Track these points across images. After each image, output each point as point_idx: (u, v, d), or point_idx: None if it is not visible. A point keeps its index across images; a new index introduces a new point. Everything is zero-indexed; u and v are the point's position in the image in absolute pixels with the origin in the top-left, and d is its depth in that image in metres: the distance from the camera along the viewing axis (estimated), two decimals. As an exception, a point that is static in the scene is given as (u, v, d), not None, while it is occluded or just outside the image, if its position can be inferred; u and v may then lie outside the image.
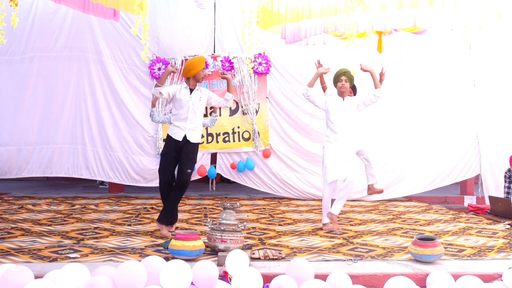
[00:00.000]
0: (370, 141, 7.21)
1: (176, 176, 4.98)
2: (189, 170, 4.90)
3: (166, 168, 4.95)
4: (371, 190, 5.84)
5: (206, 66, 8.03)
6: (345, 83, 5.30)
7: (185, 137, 4.92)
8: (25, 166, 8.08)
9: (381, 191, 5.86)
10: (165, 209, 4.94)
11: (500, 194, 7.65)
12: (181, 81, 8.09)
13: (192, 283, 3.08)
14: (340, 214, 6.50)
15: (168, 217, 4.93)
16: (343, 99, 5.34)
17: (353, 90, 6.48)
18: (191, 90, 4.98)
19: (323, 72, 5.43)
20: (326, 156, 5.35)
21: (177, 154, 4.97)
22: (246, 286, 3.00)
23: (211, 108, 7.52)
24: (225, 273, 3.27)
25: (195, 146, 5.02)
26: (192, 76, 4.95)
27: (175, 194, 4.92)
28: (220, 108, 8.01)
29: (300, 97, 8.13)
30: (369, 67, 5.23)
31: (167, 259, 3.45)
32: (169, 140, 5.00)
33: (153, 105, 6.03)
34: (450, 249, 4.31)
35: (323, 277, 3.27)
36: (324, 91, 6.01)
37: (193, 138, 4.96)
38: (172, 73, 6.52)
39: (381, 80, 5.92)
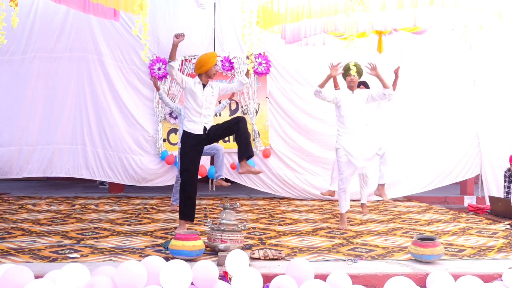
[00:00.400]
0: (387, 136, 7.14)
1: (230, 130, 4.88)
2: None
3: (189, 165, 4.87)
4: (379, 190, 5.52)
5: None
6: (353, 77, 5.33)
7: (205, 128, 4.95)
8: (26, 167, 8.08)
9: (386, 200, 5.62)
10: (241, 146, 4.76)
11: (501, 194, 7.65)
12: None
13: (192, 283, 3.08)
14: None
15: (248, 150, 4.76)
16: (353, 93, 5.38)
17: (366, 87, 6.48)
18: (204, 86, 5.00)
19: (334, 75, 5.40)
20: (340, 148, 5.37)
21: (200, 150, 4.98)
22: (246, 286, 3.00)
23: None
24: (225, 273, 3.27)
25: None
26: (204, 72, 4.95)
27: (240, 130, 4.77)
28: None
29: (300, 97, 8.15)
30: (373, 72, 5.16)
31: (167, 259, 3.45)
32: (187, 136, 4.93)
33: (158, 88, 6.46)
34: (450, 249, 4.31)
35: (323, 277, 3.27)
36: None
37: (210, 124, 5.02)
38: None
39: (396, 79, 5.99)
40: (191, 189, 4.84)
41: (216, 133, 4.95)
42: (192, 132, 4.92)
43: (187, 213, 4.89)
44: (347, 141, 5.34)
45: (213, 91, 5.03)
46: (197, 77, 5.01)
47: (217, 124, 5.02)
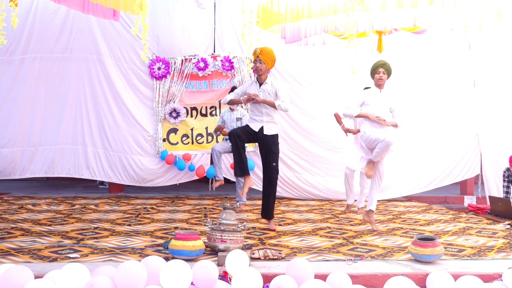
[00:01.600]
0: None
1: (263, 171, 5.21)
2: (274, 164, 5.11)
3: (238, 130, 5.18)
4: (368, 217, 5.36)
5: (206, 66, 8.03)
6: (382, 75, 5.23)
7: (261, 129, 5.08)
8: (29, 167, 8.10)
9: (375, 230, 5.29)
10: (264, 205, 5.27)
11: (501, 194, 7.65)
12: (180, 80, 8.10)
13: (192, 283, 3.08)
14: (340, 214, 6.53)
15: (268, 210, 5.25)
16: (380, 91, 5.30)
17: None
18: (260, 84, 5.14)
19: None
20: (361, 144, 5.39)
21: (249, 136, 5.17)
22: (246, 286, 3.00)
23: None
24: (225, 273, 3.27)
25: (275, 137, 5.16)
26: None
27: (268, 191, 5.17)
28: (220, 107, 8.05)
29: (300, 97, 8.16)
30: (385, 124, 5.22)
31: (167, 259, 3.45)
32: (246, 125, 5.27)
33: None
34: (450, 249, 4.31)
35: (323, 277, 3.27)
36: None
37: (270, 131, 5.12)
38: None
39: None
40: (239, 144, 5.03)
41: (266, 151, 5.14)
42: (250, 125, 5.18)
43: (241, 168, 5.09)
44: (369, 130, 5.27)
45: (270, 88, 5.10)
46: (255, 77, 5.26)
47: (274, 150, 5.14)
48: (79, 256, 3.83)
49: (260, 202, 7.62)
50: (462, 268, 3.63)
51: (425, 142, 8.25)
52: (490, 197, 7.28)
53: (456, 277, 3.31)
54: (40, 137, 8.08)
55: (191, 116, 8.12)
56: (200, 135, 8.13)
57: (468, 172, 8.47)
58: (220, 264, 3.53)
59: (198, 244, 3.72)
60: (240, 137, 5.06)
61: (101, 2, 4.96)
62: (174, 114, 8.05)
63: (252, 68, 7.98)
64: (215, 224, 4.02)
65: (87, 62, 8.09)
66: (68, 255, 3.84)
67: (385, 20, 5.91)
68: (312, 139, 8.13)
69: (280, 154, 8.06)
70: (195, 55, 8.07)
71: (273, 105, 5.02)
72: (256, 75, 5.22)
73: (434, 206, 7.49)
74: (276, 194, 8.01)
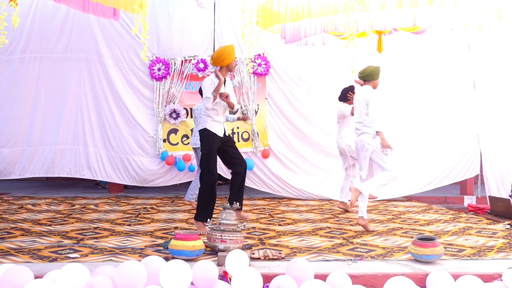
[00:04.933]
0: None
1: (235, 166, 4.93)
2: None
3: (214, 166, 4.79)
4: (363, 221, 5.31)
5: (206, 66, 8.04)
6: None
7: (225, 132, 4.93)
8: (29, 167, 8.09)
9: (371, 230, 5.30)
10: (240, 197, 4.93)
11: (501, 194, 7.66)
12: (180, 81, 8.10)
13: (192, 283, 3.08)
14: (340, 214, 6.52)
15: (242, 201, 4.97)
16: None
17: (352, 90, 6.52)
18: (224, 82, 4.84)
19: None
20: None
21: (219, 155, 4.95)
22: (246, 286, 3.00)
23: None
24: (225, 273, 3.27)
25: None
26: (226, 65, 4.78)
27: (242, 182, 4.93)
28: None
29: (297, 99, 8.16)
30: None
31: (167, 259, 3.45)
32: (211, 136, 4.80)
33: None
34: (450, 249, 4.31)
35: (323, 277, 3.27)
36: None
37: (226, 130, 5.00)
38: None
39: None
40: (212, 190, 4.84)
41: (233, 149, 4.94)
42: (213, 131, 4.80)
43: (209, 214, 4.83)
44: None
45: (230, 87, 4.97)
46: (212, 75, 4.84)
47: (232, 146, 4.94)
48: (79, 256, 3.83)
49: (260, 202, 7.68)
50: (462, 268, 3.63)
51: (425, 142, 8.25)
52: (490, 197, 7.28)
53: (456, 277, 3.31)
54: (40, 137, 8.07)
55: (191, 117, 8.11)
56: None
57: (468, 172, 8.46)
58: (220, 264, 3.53)
59: (198, 244, 3.72)
60: (215, 174, 4.81)
61: (101, 1, 4.96)
62: (174, 115, 8.04)
63: (251, 68, 7.98)
64: (215, 224, 4.02)
65: (88, 63, 8.08)
66: (68, 255, 3.84)
67: (385, 20, 5.91)
68: (308, 143, 8.13)
69: (278, 155, 8.21)
70: (195, 56, 8.07)
71: (233, 106, 4.82)
72: (223, 71, 4.81)
73: (434, 206, 7.48)
74: (276, 194, 8.15)
